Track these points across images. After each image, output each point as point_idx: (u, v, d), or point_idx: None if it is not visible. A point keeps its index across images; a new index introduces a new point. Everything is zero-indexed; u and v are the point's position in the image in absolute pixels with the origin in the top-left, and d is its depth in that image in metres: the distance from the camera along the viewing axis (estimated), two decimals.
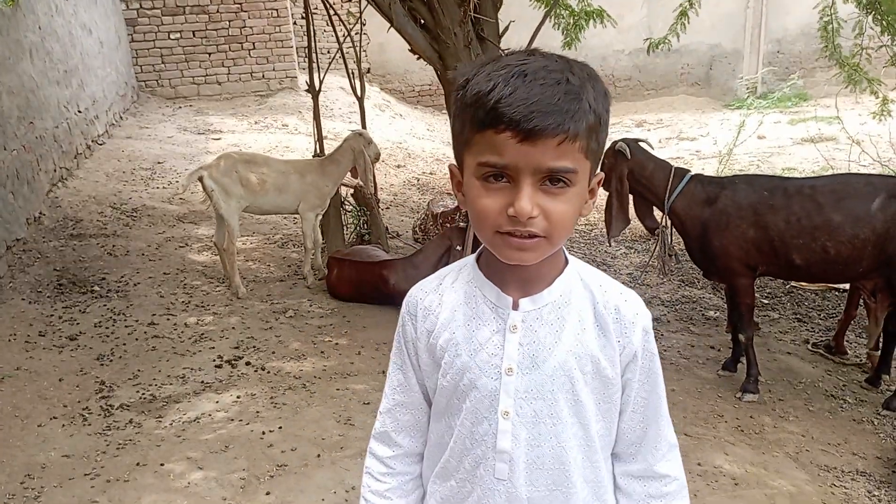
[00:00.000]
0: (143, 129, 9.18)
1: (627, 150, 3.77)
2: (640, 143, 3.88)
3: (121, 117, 9.29)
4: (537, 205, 0.96)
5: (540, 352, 1.06)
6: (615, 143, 3.86)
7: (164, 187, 6.94)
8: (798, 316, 4.88)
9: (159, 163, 7.68)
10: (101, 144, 7.81)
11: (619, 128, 12.25)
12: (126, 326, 4.08)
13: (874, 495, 2.98)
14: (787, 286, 5.31)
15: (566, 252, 1.13)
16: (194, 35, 11.19)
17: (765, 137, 10.50)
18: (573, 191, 0.98)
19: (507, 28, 4.47)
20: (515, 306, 1.08)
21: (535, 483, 1.08)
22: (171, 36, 11.10)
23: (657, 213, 4.06)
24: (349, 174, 5.11)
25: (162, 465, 2.82)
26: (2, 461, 2.82)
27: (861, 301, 4.01)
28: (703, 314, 4.89)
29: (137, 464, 2.82)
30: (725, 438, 3.33)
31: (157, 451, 2.91)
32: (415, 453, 1.22)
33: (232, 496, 2.65)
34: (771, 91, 13.21)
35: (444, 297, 1.14)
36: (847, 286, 4.31)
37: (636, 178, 3.81)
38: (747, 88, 13.59)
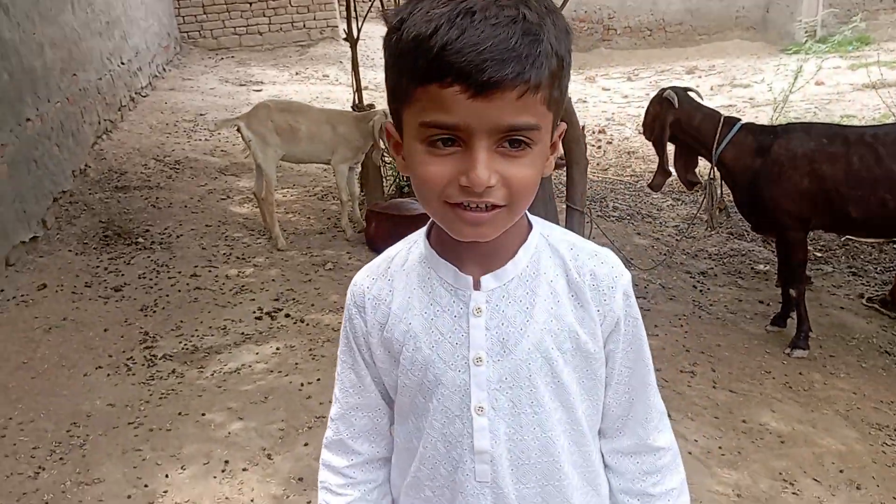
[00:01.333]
0: (186, 81, 9.21)
1: (675, 99, 3.61)
2: (689, 93, 3.71)
3: (163, 69, 9.33)
4: (495, 171, 0.81)
5: (510, 334, 0.94)
6: (662, 90, 3.70)
7: (206, 139, 6.97)
8: (853, 269, 4.69)
9: (201, 114, 7.71)
10: (144, 96, 7.87)
11: (669, 75, 11.85)
12: (169, 278, 4.13)
13: None
14: (843, 238, 5.10)
15: (528, 214, 0.98)
16: None
17: (823, 84, 10.03)
18: (536, 150, 0.84)
19: None
20: (477, 286, 0.94)
21: (523, 480, 0.97)
22: None
23: (700, 169, 3.91)
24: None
25: (203, 414, 2.86)
26: (48, 409, 2.90)
27: None
28: (752, 268, 4.73)
29: (179, 413, 2.87)
30: (772, 395, 3.24)
31: (198, 401, 2.96)
32: (376, 459, 1.09)
33: (271, 446, 2.68)
34: (831, 35, 12.59)
35: (395, 283, 0.99)
36: None
37: (683, 128, 3.65)
38: (806, 32, 12.96)
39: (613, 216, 5.68)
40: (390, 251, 1.04)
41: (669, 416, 2.77)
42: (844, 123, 5.53)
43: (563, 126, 0.92)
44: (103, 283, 4.03)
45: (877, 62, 10.74)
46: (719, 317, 4.01)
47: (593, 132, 8.35)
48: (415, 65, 0.79)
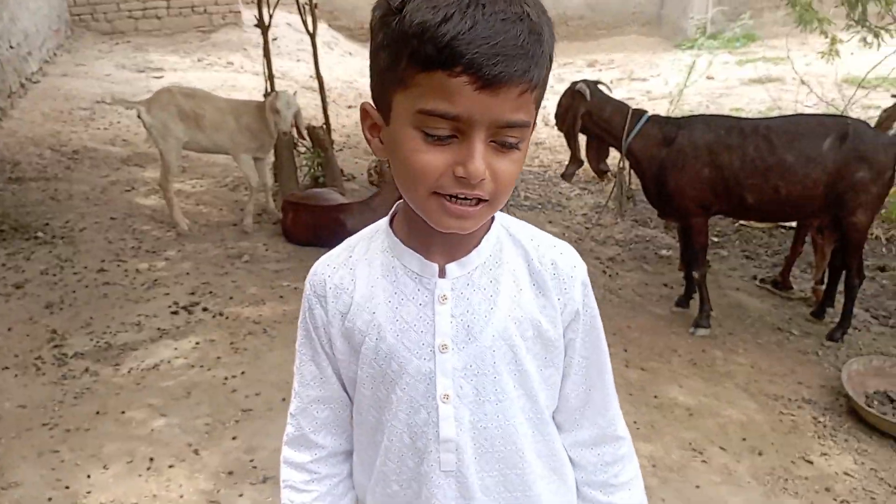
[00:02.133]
0: (80, 67, 8.75)
1: (587, 92, 3.76)
2: (599, 86, 3.87)
3: (55, 54, 8.84)
4: (487, 164, 0.82)
5: (475, 322, 0.94)
6: (575, 83, 3.84)
7: (105, 128, 6.66)
8: (746, 253, 5.03)
9: (98, 102, 7.35)
10: (35, 83, 7.44)
11: (571, 68, 12.19)
12: (74, 273, 3.95)
13: (819, 421, 3.13)
14: (736, 224, 5.45)
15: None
16: None
17: (714, 78, 10.61)
18: (522, 146, 0.86)
19: None
20: (442, 273, 0.95)
21: (486, 469, 0.98)
22: None
23: (610, 159, 4.09)
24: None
25: (123, 412, 2.78)
26: None
27: (807, 237, 4.15)
28: (656, 253, 4.99)
29: (97, 412, 2.78)
30: (680, 372, 3.45)
31: (116, 399, 2.87)
32: (339, 452, 1.08)
33: (197, 441, 2.64)
34: (720, 31, 13.30)
35: (357, 272, 0.98)
36: (794, 224, 4.44)
37: (594, 120, 3.81)
38: (697, 28, 13.63)
39: (525, 205, 5.84)
40: (351, 241, 1.03)
41: None
42: (738, 116, 5.88)
43: (535, 125, 0.92)
44: (2, 280, 3.82)
45: (762, 58, 11.47)
46: (628, 300, 4.21)
47: None
48: (420, 50, 0.78)
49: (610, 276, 4.57)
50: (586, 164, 4.20)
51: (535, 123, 0.88)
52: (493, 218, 0.98)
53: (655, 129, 3.68)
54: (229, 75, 9.24)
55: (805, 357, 3.67)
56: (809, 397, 3.31)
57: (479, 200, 0.84)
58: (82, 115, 6.88)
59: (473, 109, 0.78)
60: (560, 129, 4.05)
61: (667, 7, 14.19)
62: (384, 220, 1.00)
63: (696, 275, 3.79)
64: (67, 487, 2.38)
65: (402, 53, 0.80)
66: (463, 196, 0.83)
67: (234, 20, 11.36)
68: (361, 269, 0.98)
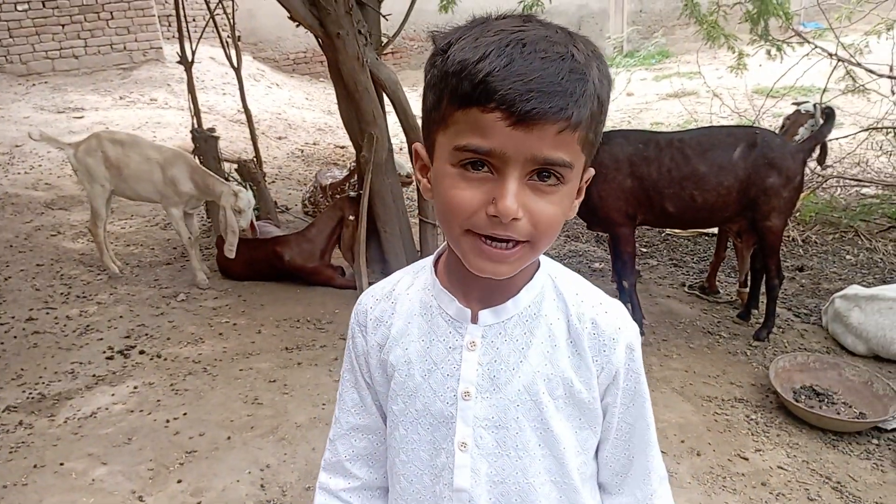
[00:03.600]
0: None
1: None
2: None
3: None
4: (522, 204, 0.79)
5: (502, 372, 0.92)
6: None
7: (26, 172, 6.47)
8: (674, 261, 5.23)
9: (17, 146, 7.13)
10: None
11: None
12: (1, 324, 3.83)
13: (752, 419, 3.28)
14: (663, 234, 5.66)
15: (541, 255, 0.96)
16: (44, 5, 10.37)
17: (633, 94, 11.01)
18: (565, 190, 0.82)
19: None
20: (475, 319, 0.93)
21: None
22: (19, 7, 10.23)
23: None
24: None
25: (62, 464, 2.70)
26: None
27: (728, 243, 4.36)
28: (589, 266, 5.13)
29: (34, 466, 2.69)
30: None
31: (53, 451, 2.79)
32: (375, 486, 1.06)
33: (141, 488, 2.59)
34: (636, 49, 13.82)
35: (398, 306, 0.99)
36: (716, 230, 4.65)
37: None
38: (614, 48, 14.14)
39: None
40: (397, 274, 1.04)
41: None
42: (655, 130, 6.13)
43: (591, 171, 0.90)
44: None
45: (677, 73, 11.97)
46: None
47: None
48: (458, 88, 0.78)
49: None
50: None
51: (586, 167, 0.87)
52: (538, 266, 0.95)
53: None
54: (154, 112, 9.09)
55: (735, 358, 3.84)
56: (741, 396, 3.46)
57: (517, 242, 0.82)
58: (1, 161, 6.66)
59: (507, 145, 0.77)
60: None
61: (584, 27, 14.66)
62: (430, 258, 1.00)
63: (625, 283, 3.92)
64: None
65: (444, 92, 0.81)
66: (497, 237, 0.81)
67: (155, 56, 11.18)
68: (402, 304, 0.99)
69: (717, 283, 4.57)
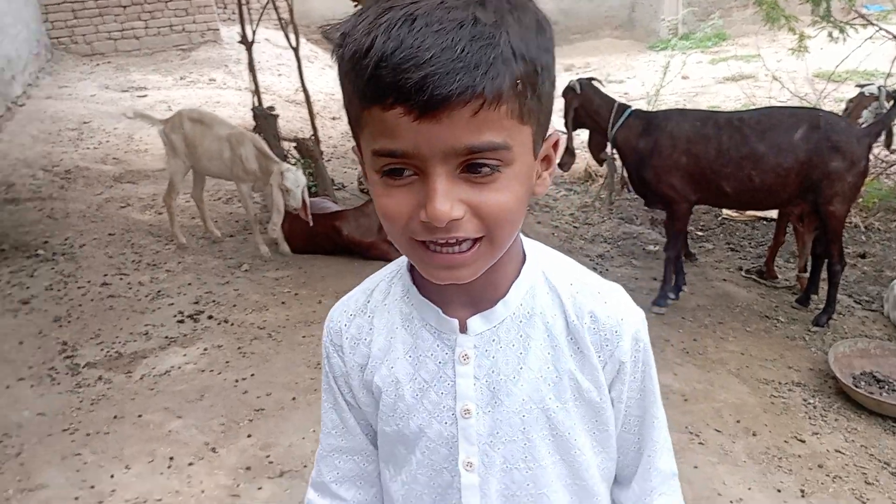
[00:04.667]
0: (63, 89, 8.78)
1: (578, 86, 3.98)
2: (592, 82, 4.09)
3: (37, 77, 8.87)
4: (459, 201, 0.70)
5: (501, 384, 0.84)
6: (571, 81, 4.07)
7: (95, 147, 6.72)
8: (731, 245, 5.19)
9: (86, 122, 7.40)
10: (21, 106, 7.48)
11: None
12: (79, 288, 4.02)
13: (809, 403, 3.27)
14: (720, 218, 5.62)
15: (524, 242, 0.88)
16: None
17: (688, 77, 10.84)
18: (510, 172, 0.71)
19: None
20: (463, 328, 0.84)
21: None
22: None
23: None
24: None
25: (140, 416, 2.87)
26: None
27: (788, 227, 4.32)
28: (643, 248, 5.13)
29: (115, 417, 2.86)
30: (674, 360, 3.58)
31: (132, 404, 2.95)
32: None
33: (214, 441, 2.73)
34: (692, 31, 13.57)
35: (375, 320, 0.89)
36: (775, 215, 4.61)
37: (585, 112, 4.02)
38: (669, 30, 13.91)
39: None
40: (369, 283, 0.94)
41: None
42: (714, 110, 6.07)
43: (556, 135, 0.80)
44: (8, 296, 3.88)
45: (734, 56, 11.74)
46: None
47: None
48: (355, 86, 0.69)
49: (600, 272, 4.69)
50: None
51: (539, 136, 0.76)
52: (524, 258, 0.87)
53: (637, 122, 3.87)
54: (213, 91, 9.31)
55: (793, 342, 3.82)
56: (799, 380, 3.45)
57: (473, 241, 0.73)
58: (71, 136, 6.93)
59: (419, 143, 0.67)
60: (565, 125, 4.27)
61: (638, 10, 14.47)
62: (404, 261, 0.90)
63: (667, 255, 3.96)
64: (93, 487, 2.47)
65: (348, 92, 0.72)
66: (441, 241, 0.72)
67: (213, 38, 11.43)
68: (380, 318, 0.89)
69: (775, 268, 4.53)
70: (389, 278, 0.92)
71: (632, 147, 3.87)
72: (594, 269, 4.62)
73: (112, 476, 2.53)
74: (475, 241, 0.73)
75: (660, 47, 13.31)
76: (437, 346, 0.85)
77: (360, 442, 0.95)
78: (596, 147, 4.27)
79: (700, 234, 5.39)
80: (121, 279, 4.16)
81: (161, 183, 5.85)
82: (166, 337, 3.52)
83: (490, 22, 0.66)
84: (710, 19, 12.13)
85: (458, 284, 0.78)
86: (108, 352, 3.37)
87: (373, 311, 0.90)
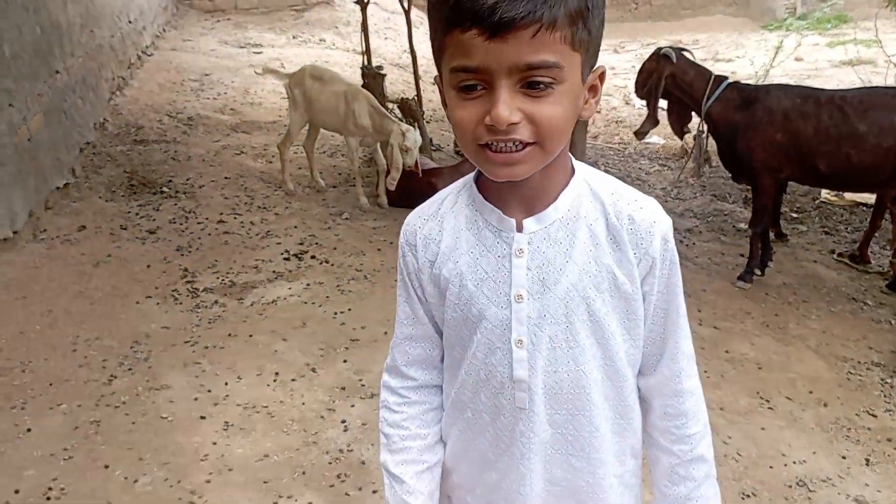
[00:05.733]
0: (186, 42, 9.36)
1: (673, 55, 4.01)
2: (684, 52, 4.11)
3: (164, 30, 9.47)
4: (518, 109, 0.85)
5: (550, 274, 0.98)
6: (660, 48, 4.10)
7: (214, 98, 7.19)
8: (826, 229, 5.12)
9: (206, 74, 7.91)
10: (149, 56, 8.04)
11: (654, 48, 12.17)
12: (198, 223, 4.43)
13: (887, 382, 3.29)
14: (816, 201, 5.53)
15: (573, 159, 1.03)
16: None
17: (802, 59, 10.45)
18: (561, 89, 0.87)
19: None
20: (520, 228, 0.99)
21: (555, 408, 1.03)
22: None
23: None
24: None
25: (250, 336, 3.21)
26: (110, 330, 3.22)
27: (886, 213, 4.24)
28: (733, 226, 5.13)
29: (229, 334, 3.21)
30: (752, 332, 3.65)
31: (244, 326, 3.30)
32: (430, 385, 1.15)
33: (314, 362, 3.04)
34: (811, 12, 12.97)
35: (445, 223, 1.05)
36: (873, 200, 4.52)
37: (677, 83, 4.06)
38: (787, 9, 13.34)
39: None
40: (441, 194, 1.09)
41: None
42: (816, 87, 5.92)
43: (602, 67, 0.95)
44: (137, 226, 4.33)
45: (853, 40, 11.19)
46: (704, 267, 4.40)
47: None
48: (441, 15, 0.86)
49: (687, 245, 4.76)
50: (664, 142, 4.42)
51: (587, 65, 0.91)
52: (573, 173, 1.02)
53: (734, 94, 3.89)
54: (322, 51, 9.70)
55: (878, 325, 3.80)
56: (879, 361, 3.46)
57: (525, 144, 0.88)
58: (193, 86, 7.44)
59: (489, 59, 0.83)
60: (639, 94, 4.30)
61: None
62: (471, 175, 1.07)
63: (752, 231, 4.00)
64: (209, 391, 2.81)
65: (435, 23, 0.89)
66: (500, 143, 0.87)
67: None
68: (448, 221, 1.05)
69: (869, 253, 4.47)
70: (457, 190, 1.07)
71: (727, 120, 3.90)
72: (681, 243, 4.72)
73: (226, 384, 2.87)
74: (527, 144, 0.87)
75: (774, 27, 12.81)
76: (497, 242, 1.00)
77: (428, 330, 1.10)
78: (677, 119, 4.30)
79: (795, 215, 5.33)
80: (235, 218, 4.54)
81: (272, 134, 6.25)
82: (274, 272, 3.86)
83: None
84: (831, 0, 11.60)
85: (517, 191, 0.97)
86: (223, 280, 3.74)
87: (442, 216, 1.05)
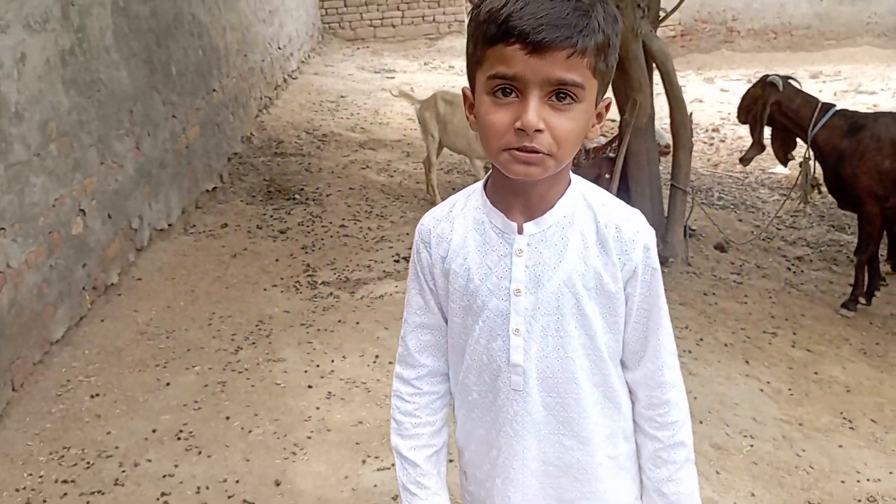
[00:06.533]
0: (328, 67, 10.16)
1: (780, 83, 4.07)
2: (790, 80, 4.15)
3: (309, 55, 10.32)
4: (543, 119, 0.98)
5: (545, 272, 1.11)
6: (766, 76, 4.17)
7: (347, 118, 7.81)
8: None
9: (342, 97, 8.58)
10: (294, 79, 8.83)
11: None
12: (322, 226, 4.91)
13: None
14: None
15: (571, 174, 1.15)
16: None
17: None
18: (580, 107, 1.00)
19: None
20: (520, 230, 1.12)
21: (547, 390, 1.15)
22: None
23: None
24: None
25: (357, 323, 3.58)
26: (240, 310, 3.70)
27: None
28: (848, 256, 5.01)
29: (339, 321, 3.60)
30: (847, 357, 3.63)
31: (353, 314, 3.68)
32: (439, 373, 1.27)
33: None
34: None
35: (456, 224, 1.17)
36: None
37: (782, 110, 4.11)
38: None
39: (718, 204, 6.06)
40: (453, 198, 1.23)
41: (747, 363, 3.37)
42: None
43: (609, 99, 1.09)
44: (270, 226, 4.86)
45: None
46: (808, 294, 4.37)
47: (707, 130, 8.63)
48: (486, 31, 0.98)
49: (794, 272, 4.73)
50: (789, 172, 4.45)
51: (601, 93, 1.06)
52: (570, 184, 1.14)
53: (842, 122, 3.90)
54: (451, 77, 10.22)
55: None
56: None
57: (543, 154, 1.00)
58: (329, 107, 8.10)
59: (526, 70, 0.96)
60: (741, 119, 4.38)
61: None
62: (481, 182, 1.21)
63: (857, 259, 3.97)
64: (318, 366, 3.20)
65: (478, 38, 1.01)
66: (525, 149, 1.00)
67: (458, 28, 12.40)
68: (459, 222, 1.18)
69: None
70: (467, 195, 1.21)
71: (833, 146, 3.91)
72: (788, 269, 4.72)
73: (332, 361, 3.24)
74: (544, 154, 1.00)
75: None
76: (500, 242, 1.13)
77: (438, 319, 1.23)
78: (781, 146, 4.31)
79: None
80: (355, 224, 4.99)
81: (395, 151, 6.74)
82: (384, 271, 4.24)
83: (587, 3, 0.99)
84: None
85: (520, 197, 1.11)
86: (339, 276, 4.16)
87: (454, 218, 1.18)
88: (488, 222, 1.14)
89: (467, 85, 1.10)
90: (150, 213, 4.24)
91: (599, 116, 1.08)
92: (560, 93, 0.98)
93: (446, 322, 1.23)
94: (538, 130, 0.97)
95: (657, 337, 1.17)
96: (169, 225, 4.46)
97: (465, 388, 1.22)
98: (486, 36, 0.99)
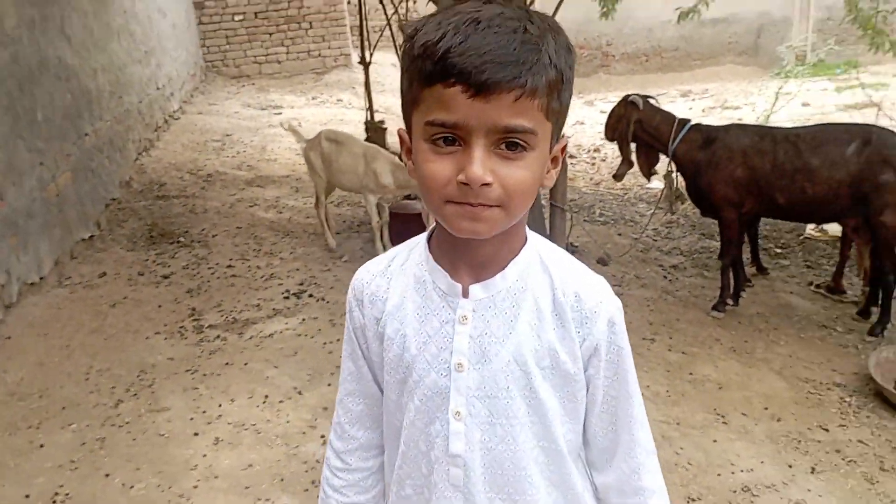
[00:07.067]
0: (212, 106, 9.98)
1: (640, 102, 4.33)
2: (649, 99, 4.43)
3: (191, 95, 10.12)
4: (491, 170, 0.85)
5: (491, 344, 0.96)
6: (627, 96, 4.43)
7: (233, 156, 7.70)
8: (808, 263, 5.30)
9: (228, 135, 8.46)
10: (176, 119, 8.63)
11: (664, 98, 12.52)
12: (209, 268, 4.81)
13: (845, 401, 3.46)
14: (801, 237, 5.72)
15: (527, 229, 1.02)
16: (256, 16, 11.91)
17: (809, 105, 10.69)
18: (532, 155, 0.87)
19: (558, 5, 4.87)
20: (466, 294, 0.97)
21: (494, 490, 0.99)
22: (236, 17, 11.86)
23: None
24: None
25: (245, 364, 3.53)
26: (120, 361, 3.57)
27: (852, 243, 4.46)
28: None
29: (226, 363, 3.53)
30: (718, 356, 3.86)
31: (241, 356, 3.62)
32: (372, 446, 1.14)
33: (301, 386, 3.33)
34: (821, 59, 13.26)
35: (393, 282, 1.04)
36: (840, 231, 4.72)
37: (644, 127, 4.36)
38: (797, 57, 13.65)
39: (599, 220, 6.33)
40: (393, 251, 1.09)
41: None
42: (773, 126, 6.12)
43: (566, 139, 0.96)
44: (153, 272, 4.72)
45: (860, 84, 11.42)
46: (682, 300, 4.63)
47: (589, 151, 9.01)
48: (422, 68, 0.84)
49: (670, 280, 4.99)
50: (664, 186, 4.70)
51: (555, 136, 0.92)
52: (525, 242, 1.00)
53: (697, 135, 4.18)
54: (339, 110, 10.25)
55: (844, 350, 3.97)
56: (840, 382, 3.63)
57: (492, 206, 0.87)
58: (214, 146, 7.97)
59: (469, 116, 0.83)
60: (609, 137, 4.63)
61: (764, 36, 14.29)
62: (424, 235, 1.05)
63: (722, 263, 4.27)
64: (205, 412, 3.12)
65: (413, 74, 0.87)
66: (469, 204, 0.86)
67: (344, 62, 12.47)
68: (397, 280, 1.03)
69: (843, 282, 4.65)
70: (409, 249, 1.07)
71: (691, 159, 4.19)
72: (664, 278, 4.98)
73: (220, 405, 3.18)
74: (493, 206, 0.87)
75: (784, 75, 13.11)
76: (443, 306, 0.98)
77: (370, 387, 1.10)
78: (646, 161, 4.59)
79: (779, 251, 5.53)
80: (243, 263, 4.91)
81: (284, 187, 6.69)
82: (273, 309, 4.19)
83: (536, 34, 0.85)
84: (827, 44, 11.91)
85: (467, 255, 0.96)
86: (226, 317, 4.08)
87: (391, 274, 1.04)
88: (431, 282, 1.00)
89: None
90: (18, 266, 4.03)
91: (555, 161, 0.95)
92: (509, 141, 0.86)
93: (381, 391, 1.09)
94: (485, 184, 0.85)
95: (629, 431, 1.01)
96: (41, 278, 4.26)
97: (398, 481, 1.06)
98: (422, 74, 0.86)
